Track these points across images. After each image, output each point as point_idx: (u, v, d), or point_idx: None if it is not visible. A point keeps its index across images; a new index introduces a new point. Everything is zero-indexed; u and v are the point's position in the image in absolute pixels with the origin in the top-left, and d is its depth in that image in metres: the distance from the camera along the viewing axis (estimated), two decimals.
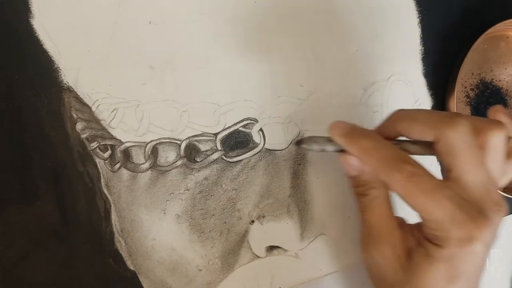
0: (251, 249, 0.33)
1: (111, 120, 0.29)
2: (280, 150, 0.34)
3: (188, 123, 0.31)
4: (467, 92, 0.41)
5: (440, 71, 0.39)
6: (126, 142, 0.30)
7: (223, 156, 0.32)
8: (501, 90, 0.42)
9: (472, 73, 0.41)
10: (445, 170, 0.26)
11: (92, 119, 0.29)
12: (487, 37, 0.39)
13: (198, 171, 0.32)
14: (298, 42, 0.34)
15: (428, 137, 0.25)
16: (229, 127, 0.32)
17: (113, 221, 0.30)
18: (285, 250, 0.34)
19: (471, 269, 0.24)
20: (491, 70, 0.42)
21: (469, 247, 0.23)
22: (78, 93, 0.29)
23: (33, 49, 0.28)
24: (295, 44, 0.34)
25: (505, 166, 0.30)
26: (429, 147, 0.26)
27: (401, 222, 0.28)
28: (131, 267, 0.30)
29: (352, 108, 0.36)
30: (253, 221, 0.33)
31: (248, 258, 0.33)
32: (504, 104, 0.42)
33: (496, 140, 0.26)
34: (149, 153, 0.30)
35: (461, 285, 0.24)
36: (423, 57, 0.39)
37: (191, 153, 0.32)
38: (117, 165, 0.30)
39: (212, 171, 0.32)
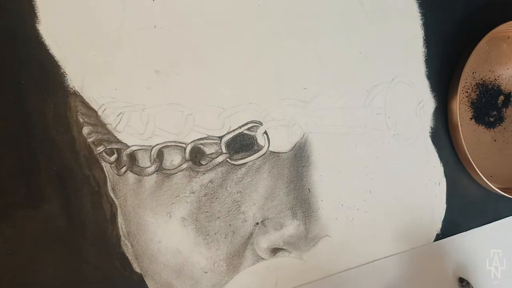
0: (255, 251, 0.33)
1: (117, 124, 0.30)
2: (284, 152, 0.34)
3: (193, 126, 0.31)
4: (470, 93, 0.41)
5: (443, 72, 0.39)
6: (132, 145, 0.30)
7: (228, 159, 0.32)
8: (503, 91, 0.43)
9: (474, 74, 0.42)
10: None
11: (98, 123, 0.29)
12: (489, 38, 0.39)
13: (203, 174, 0.32)
14: (302, 45, 0.34)
15: None
16: (233, 130, 0.32)
17: (119, 224, 0.30)
18: (290, 252, 0.34)
19: None
20: (493, 71, 0.42)
21: None
22: (84, 97, 0.29)
23: (39, 54, 0.28)
24: (299, 47, 0.34)
25: None
26: None
27: None
28: (138, 270, 0.30)
29: (356, 110, 0.36)
30: (257, 223, 0.33)
31: (253, 260, 0.33)
32: (506, 104, 0.43)
33: None
34: (155, 156, 0.30)
35: None
36: (426, 59, 0.39)
37: (196, 156, 0.32)
38: (123, 169, 0.30)
39: (217, 174, 0.32)
